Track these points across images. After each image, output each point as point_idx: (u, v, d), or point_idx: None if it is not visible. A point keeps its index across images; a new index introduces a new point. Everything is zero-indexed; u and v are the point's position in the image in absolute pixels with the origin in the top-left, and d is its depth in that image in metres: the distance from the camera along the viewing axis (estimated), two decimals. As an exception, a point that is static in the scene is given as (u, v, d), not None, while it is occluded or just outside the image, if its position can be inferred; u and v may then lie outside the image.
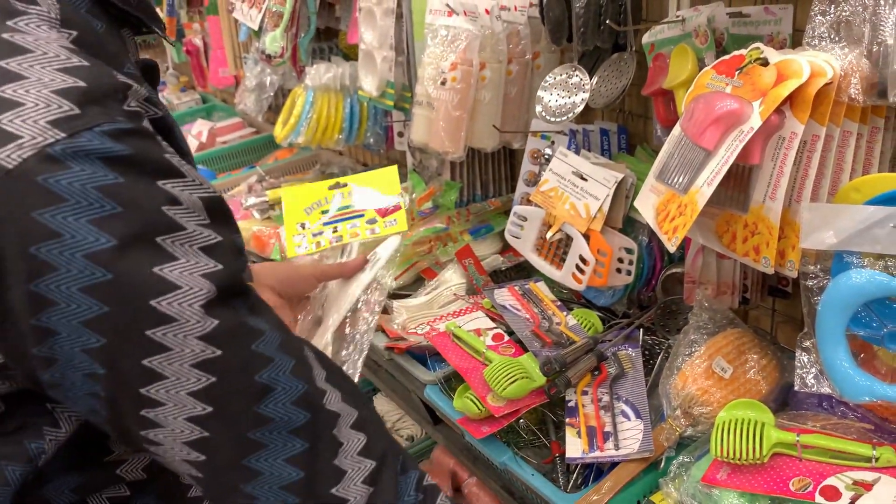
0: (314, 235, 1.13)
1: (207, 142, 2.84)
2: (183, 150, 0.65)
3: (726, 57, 1.04)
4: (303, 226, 1.15)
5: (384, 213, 1.14)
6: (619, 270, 1.36)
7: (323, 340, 1.00)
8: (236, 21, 2.32)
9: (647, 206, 1.08)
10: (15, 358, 0.55)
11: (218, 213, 0.58)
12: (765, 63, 0.97)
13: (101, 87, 0.54)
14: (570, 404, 1.21)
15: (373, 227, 1.12)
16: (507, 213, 1.70)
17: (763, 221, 0.98)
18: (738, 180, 1.00)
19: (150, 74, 0.74)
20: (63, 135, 0.51)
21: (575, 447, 1.14)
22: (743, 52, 1.02)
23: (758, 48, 1.00)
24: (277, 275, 1.03)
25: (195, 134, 2.88)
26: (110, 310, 0.52)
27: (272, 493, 0.59)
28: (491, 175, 1.91)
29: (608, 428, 1.15)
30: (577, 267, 1.38)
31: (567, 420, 1.19)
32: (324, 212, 1.15)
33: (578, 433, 1.16)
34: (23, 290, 0.51)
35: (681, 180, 1.02)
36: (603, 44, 1.36)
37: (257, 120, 2.76)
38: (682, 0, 1.28)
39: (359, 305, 1.04)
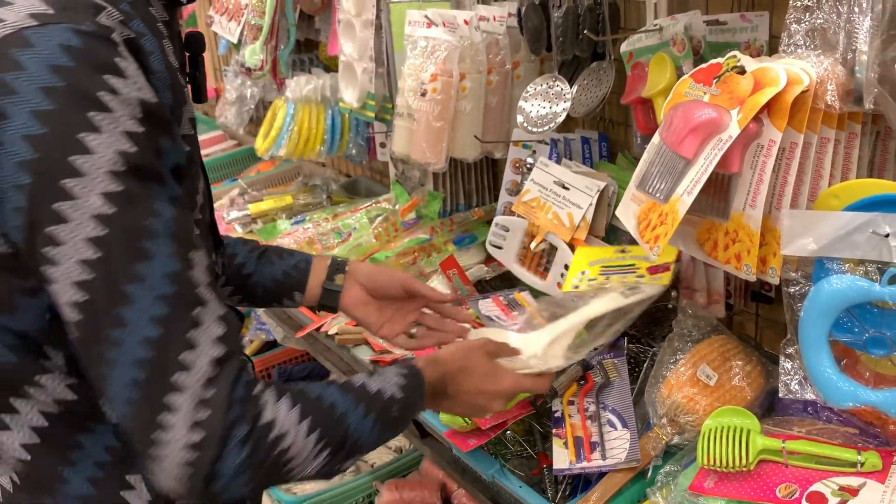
0: (590, 280, 1.28)
1: (189, 155, 2.82)
2: (151, 70, 0.75)
3: (704, 65, 1.05)
4: (583, 272, 1.30)
5: (654, 270, 1.25)
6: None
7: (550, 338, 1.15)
8: (215, 34, 2.31)
9: (628, 215, 1.08)
10: None
11: (153, 115, 0.71)
12: (742, 71, 0.98)
13: (75, 1, 0.70)
14: (556, 415, 1.21)
15: (638, 280, 1.24)
16: (490, 222, 1.69)
17: (744, 229, 0.98)
18: (718, 188, 1.00)
19: (194, 44, 0.91)
20: (36, 23, 0.67)
21: (562, 458, 1.14)
22: (720, 60, 1.02)
23: (735, 56, 1.00)
24: (369, 274, 1.19)
25: (176, 147, 2.86)
26: (39, 156, 0.66)
27: (133, 344, 0.69)
28: (474, 185, 1.91)
29: (595, 438, 1.15)
30: (563, 276, 1.38)
31: (554, 431, 1.19)
32: (604, 266, 1.29)
33: (565, 444, 1.15)
34: None
35: (661, 189, 1.02)
36: (582, 53, 1.37)
37: (238, 133, 2.75)
38: (660, 8, 1.28)
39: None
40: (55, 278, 0.69)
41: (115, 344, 0.69)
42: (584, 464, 1.12)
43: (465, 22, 1.50)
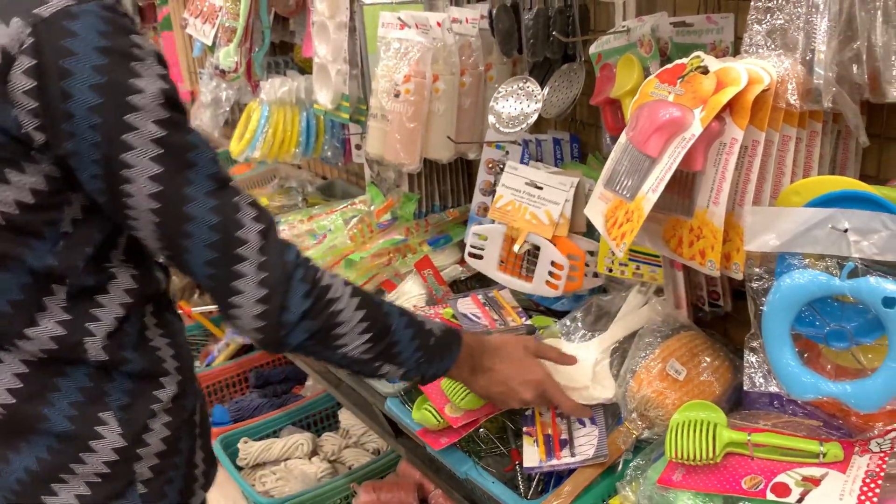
0: (621, 264, 1.34)
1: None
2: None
3: (669, 66, 1.06)
4: (612, 252, 1.31)
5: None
6: (584, 274, 1.37)
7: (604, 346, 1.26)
8: (190, 37, 2.31)
9: (596, 213, 1.09)
10: (54, 132, 0.84)
11: (165, 63, 0.90)
12: (705, 71, 0.99)
13: None
14: (527, 413, 1.22)
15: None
16: (465, 223, 1.70)
17: (707, 226, 1.00)
18: (683, 186, 1.02)
19: None
20: (74, 2, 0.84)
21: (532, 456, 1.15)
22: (684, 60, 1.04)
23: (698, 57, 1.02)
24: None
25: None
26: (104, 100, 0.83)
27: (203, 231, 0.89)
28: (449, 186, 1.92)
29: (564, 435, 1.16)
30: (550, 273, 1.38)
31: (524, 429, 1.20)
32: (631, 250, 1.32)
33: (535, 442, 1.16)
34: (57, 86, 0.82)
35: (627, 187, 1.03)
36: (553, 55, 1.38)
37: (214, 135, 2.74)
38: (628, 10, 1.30)
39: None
40: (133, 193, 0.86)
41: (188, 235, 0.89)
42: (554, 461, 1.13)
43: (438, 24, 1.51)
